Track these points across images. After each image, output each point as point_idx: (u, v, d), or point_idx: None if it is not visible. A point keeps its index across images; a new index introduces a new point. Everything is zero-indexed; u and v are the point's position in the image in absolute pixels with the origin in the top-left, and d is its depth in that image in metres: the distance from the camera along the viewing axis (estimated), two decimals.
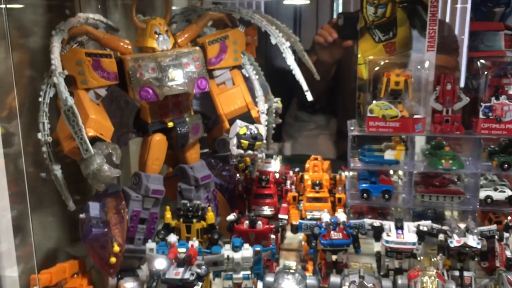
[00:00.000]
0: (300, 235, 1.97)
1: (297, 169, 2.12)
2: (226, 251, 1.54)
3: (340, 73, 2.82)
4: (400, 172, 2.07)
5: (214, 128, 2.00)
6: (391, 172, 2.02)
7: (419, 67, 1.81)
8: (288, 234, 2.01)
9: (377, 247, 1.68)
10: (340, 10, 3.09)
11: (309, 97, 1.70)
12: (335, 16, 2.97)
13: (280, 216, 1.86)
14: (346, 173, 2.01)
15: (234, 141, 1.66)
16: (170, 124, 1.66)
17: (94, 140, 1.45)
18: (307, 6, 3.08)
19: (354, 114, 2.82)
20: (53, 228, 1.75)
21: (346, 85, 2.77)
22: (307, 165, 2.01)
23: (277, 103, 2.03)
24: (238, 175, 2.06)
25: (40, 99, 1.47)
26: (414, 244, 1.58)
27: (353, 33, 1.89)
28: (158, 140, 1.66)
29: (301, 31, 3.11)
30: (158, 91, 1.55)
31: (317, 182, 1.84)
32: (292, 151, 3.15)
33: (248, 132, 1.64)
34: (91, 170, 1.43)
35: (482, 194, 1.83)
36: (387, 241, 1.60)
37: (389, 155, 1.83)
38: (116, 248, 1.50)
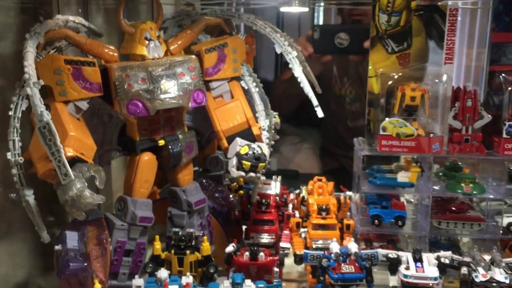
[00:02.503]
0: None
1: (297, 191, 1.95)
2: None
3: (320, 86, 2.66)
4: (406, 196, 1.91)
5: (208, 145, 1.82)
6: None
7: (436, 80, 1.66)
8: (287, 261, 1.82)
9: (392, 281, 1.51)
10: (321, 21, 2.94)
11: (320, 113, 1.53)
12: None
13: (282, 244, 1.68)
14: (349, 193, 1.85)
15: (234, 161, 1.48)
16: (161, 142, 1.48)
17: (74, 161, 1.27)
18: (289, 15, 2.91)
19: (335, 130, 2.71)
20: (24, 257, 1.58)
21: (327, 102, 2.65)
22: (310, 187, 1.84)
23: (275, 117, 1.85)
24: (231, 196, 1.88)
25: (11, 113, 1.30)
26: (435, 279, 1.43)
27: (330, 47, 1.74)
28: (147, 160, 1.47)
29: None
30: (149, 105, 1.37)
31: (324, 207, 1.66)
32: (278, 165, 2.99)
33: (251, 152, 1.46)
34: (69, 197, 1.24)
35: (505, 221, 1.68)
36: (405, 276, 1.44)
37: (402, 177, 1.68)
38: (98, 286, 1.33)
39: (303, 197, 1.91)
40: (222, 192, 1.86)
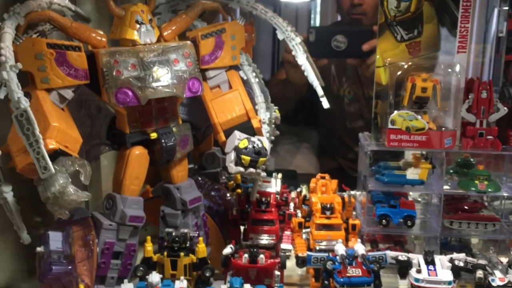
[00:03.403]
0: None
1: (299, 189, 1.84)
2: None
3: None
4: (413, 195, 1.81)
5: (203, 140, 1.71)
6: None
7: (449, 70, 1.56)
8: (288, 264, 1.71)
9: (402, 285, 1.41)
10: (318, 20, 2.84)
11: (325, 104, 1.43)
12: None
13: (283, 246, 1.57)
14: (354, 193, 1.74)
15: (232, 156, 1.38)
16: (154, 135, 1.38)
17: (56, 155, 1.16)
18: (285, 15, 2.81)
19: (334, 130, 2.61)
20: (5, 260, 1.48)
21: (327, 97, 2.55)
22: (312, 185, 1.73)
23: (275, 112, 1.74)
24: (228, 194, 1.77)
25: None
26: (450, 283, 1.33)
27: (327, 51, 1.64)
28: (138, 155, 1.37)
29: (279, 41, 2.85)
30: (140, 94, 1.26)
31: (328, 205, 1.55)
32: (275, 165, 2.89)
33: (250, 146, 1.36)
34: (51, 193, 1.14)
35: None
36: (417, 280, 1.34)
37: (412, 174, 1.58)
38: None
39: (305, 196, 1.81)
40: (218, 190, 1.76)
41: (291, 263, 1.71)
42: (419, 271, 1.35)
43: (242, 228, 1.68)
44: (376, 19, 1.62)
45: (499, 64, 1.99)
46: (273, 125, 1.64)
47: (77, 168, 1.18)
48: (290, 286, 1.69)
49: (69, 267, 1.26)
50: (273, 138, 1.63)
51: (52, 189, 1.14)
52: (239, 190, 1.84)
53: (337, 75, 2.51)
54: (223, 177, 1.90)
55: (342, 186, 1.81)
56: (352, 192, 1.75)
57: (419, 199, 1.84)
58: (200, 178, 1.72)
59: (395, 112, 1.55)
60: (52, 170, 1.08)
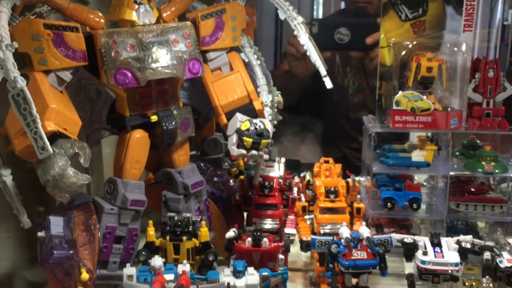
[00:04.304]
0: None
1: (302, 174, 1.81)
2: (226, 277, 1.24)
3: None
4: (417, 178, 1.79)
5: (205, 125, 1.69)
6: None
7: (455, 49, 1.53)
8: (292, 249, 1.69)
9: (408, 268, 1.38)
10: (321, 11, 2.80)
11: (328, 84, 1.40)
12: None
13: (286, 230, 1.55)
14: (359, 178, 1.72)
15: (234, 139, 1.35)
16: (154, 118, 1.36)
17: (55, 137, 1.15)
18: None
19: (337, 121, 2.58)
20: (8, 248, 1.47)
21: (329, 92, 2.52)
22: (316, 169, 1.70)
23: (278, 96, 1.72)
24: (231, 181, 1.75)
25: None
26: (456, 265, 1.30)
27: (330, 43, 1.60)
28: (139, 138, 1.35)
29: (282, 31, 2.83)
30: (139, 75, 1.24)
31: (332, 189, 1.53)
32: (279, 155, 2.86)
33: (252, 128, 1.33)
34: (50, 176, 1.12)
35: None
36: (423, 262, 1.31)
37: (417, 156, 1.55)
38: (85, 276, 1.22)
39: (309, 181, 1.78)
40: (221, 176, 1.74)
41: (295, 248, 1.69)
42: (425, 253, 1.33)
43: (245, 215, 1.66)
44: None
45: (504, 52, 1.95)
46: (276, 110, 1.62)
47: (77, 151, 1.16)
48: (295, 271, 1.67)
49: (71, 252, 1.25)
50: (275, 122, 1.61)
51: (51, 172, 1.12)
52: (242, 177, 1.82)
53: (342, 65, 2.48)
54: (226, 164, 1.88)
55: (346, 172, 1.79)
56: (357, 178, 1.73)
57: (424, 183, 1.81)
58: (202, 164, 1.70)
59: (400, 92, 1.52)
60: (50, 150, 1.06)
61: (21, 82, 1.04)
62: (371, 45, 2.14)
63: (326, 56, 2.27)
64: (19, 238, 1.48)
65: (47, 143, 1.06)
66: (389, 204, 1.58)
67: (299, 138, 2.83)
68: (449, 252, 1.32)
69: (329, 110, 2.64)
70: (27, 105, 1.03)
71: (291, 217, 1.60)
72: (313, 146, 2.83)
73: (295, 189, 1.69)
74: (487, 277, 1.30)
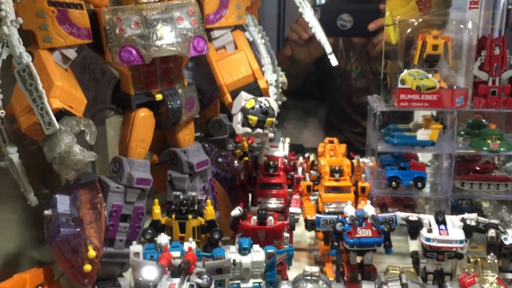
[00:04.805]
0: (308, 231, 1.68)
1: (307, 154, 1.81)
2: (232, 254, 1.24)
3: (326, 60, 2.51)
4: (421, 159, 1.78)
5: (210, 105, 1.68)
6: None
7: (461, 26, 1.51)
8: (296, 230, 1.69)
9: (413, 246, 1.39)
10: None
11: (334, 61, 1.39)
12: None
13: (291, 210, 1.56)
14: (363, 159, 1.71)
15: (239, 117, 1.35)
16: (159, 97, 1.35)
17: (61, 114, 1.14)
18: None
19: (340, 105, 2.56)
20: (14, 228, 1.46)
21: (332, 77, 2.51)
22: (320, 149, 1.71)
23: (282, 77, 1.71)
24: (236, 162, 1.75)
25: None
26: (461, 242, 1.30)
27: (332, 29, 1.58)
28: (144, 117, 1.35)
29: (285, 17, 2.81)
30: (144, 52, 1.24)
31: (337, 168, 1.53)
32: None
33: (257, 106, 1.33)
34: (57, 153, 1.12)
35: None
36: (428, 239, 1.31)
37: (422, 135, 1.54)
38: (92, 253, 1.22)
39: (313, 162, 1.78)
40: (226, 157, 1.74)
41: (300, 229, 1.70)
42: (430, 231, 1.32)
43: (250, 196, 1.66)
44: None
45: (509, 34, 1.93)
46: (280, 90, 1.61)
47: (82, 128, 1.16)
48: (299, 251, 1.68)
49: (78, 230, 1.24)
50: (280, 102, 1.60)
51: (57, 149, 1.12)
52: (246, 158, 1.82)
53: (345, 49, 2.46)
54: (230, 145, 1.88)
55: (350, 154, 1.79)
56: (361, 159, 1.73)
57: (429, 164, 1.81)
58: (207, 145, 1.70)
59: (405, 71, 1.51)
60: (57, 126, 1.06)
61: (27, 58, 1.03)
62: (374, 31, 2.13)
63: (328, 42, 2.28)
64: (25, 219, 1.48)
65: (54, 118, 1.06)
66: (393, 183, 1.58)
67: (302, 123, 2.82)
68: (453, 230, 1.32)
69: (332, 94, 2.63)
70: (33, 80, 1.03)
71: (296, 196, 1.61)
72: (316, 130, 2.82)
73: (300, 169, 1.70)
74: (491, 254, 1.29)
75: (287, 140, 1.80)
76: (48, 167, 1.38)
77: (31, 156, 1.31)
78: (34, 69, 1.03)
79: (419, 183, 1.58)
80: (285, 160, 1.67)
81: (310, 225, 1.48)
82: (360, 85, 2.48)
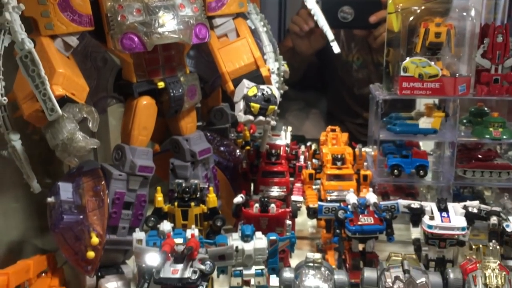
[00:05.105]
0: (310, 220, 1.67)
1: (309, 143, 1.81)
2: (235, 241, 1.24)
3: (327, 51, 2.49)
4: (423, 148, 1.78)
5: (212, 94, 1.68)
6: None
7: (464, 14, 1.50)
8: (298, 219, 1.70)
9: (415, 233, 1.39)
10: None
11: (336, 49, 1.39)
12: None
13: (293, 198, 1.56)
14: (365, 149, 1.71)
15: (241, 105, 1.35)
16: (161, 85, 1.35)
17: (63, 102, 1.14)
18: None
19: (341, 97, 2.56)
20: (17, 217, 1.47)
21: (334, 68, 2.50)
22: (322, 138, 1.70)
23: (284, 65, 1.71)
24: (238, 151, 1.75)
25: None
26: (463, 229, 1.30)
27: (333, 21, 1.57)
28: (146, 105, 1.35)
29: (286, 8, 2.79)
30: (146, 39, 1.23)
31: (339, 156, 1.53)
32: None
33: (259, 94, 1.33)
34: (59, 140, 1.12)
35: None
36: (430, 226, 1.31)
37: (424, 123, 1.54)
38: (95, 240, 1.22)
39: (315, 150, 1.78)
40: (228, 146, 1.74)
41: (302, 217, 1.70)
42: (432, 218, 1.33)
43: (252, 186, 1.66)
44: None
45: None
46: (282, 79, 1.61)
47: (85, 115, 1.16)
48: (301, 239, 1.68)
49: (81, 217, 1.25)
50: (281, 91, 1.60)
51: (60, 136, 1.13)
52: (248, 147, 1.82)
53: (346, 40, 2.45)
54: (232, 135, 1.88)
55: (352, 144, 1.79)
56: (363, 149, 1.73)
57: (431, 153, 1.81)
58: (209, 134, 1.70)
59: (408, 58, 1.50)
60: (60, 112, 1.06)
61: (29, 44, 1.03)
62: (375, 23, 2.12)
63: None
64: (28, 208, 1.48)
65: (56, 104, 1.06)
66: (396, 171, 1.58)
67: (303, 114, 2.82)
68: (455, 217, 1.32)
69: (333, 86, 2.62)
70: (35, 66, 1.03)
71: (298, 184, 1.61)
72: (318, 121, 2.82)
73: (302, 157, 1.70)
74: (493, 241, 1.29)
75: (289, 128, 1.80)
76: (51, 157, 1.38)
77: (34, 146, 1.32)
78: (36, 55, 1.03)
79: (421, 171, 1.57)
80: (287, 148, 1.67)
81: (312, 213, 1.48)
82: (362, 76, 2.48)
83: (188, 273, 1.08)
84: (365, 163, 1.62)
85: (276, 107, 1.37)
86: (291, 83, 1.67)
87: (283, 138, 1.72)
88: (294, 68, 1.71)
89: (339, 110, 2.67)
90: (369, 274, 1.24)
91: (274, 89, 1.38)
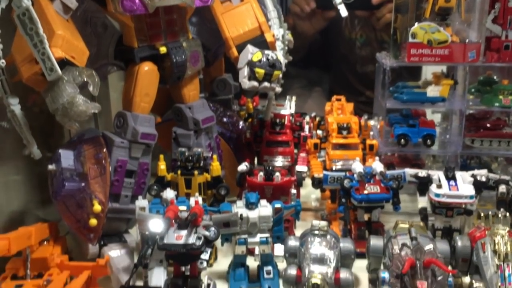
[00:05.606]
0: (314, 192, 1.68)
1: (313, 114, 1.78)
2: (239, 209, 1.22)
3: (330, 29, 2.44)
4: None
5: (215, 63, 1.65)
6: None
7: None
8: (301, 191, 1.68)
9: (421, 202, 1.36)
10: None
11: (343, 12, 1.35)
12: None
13: (298, 168, 1.54)
14: (371, 121, 1.68)
15: (246, 71, 1.32)
16: (163, 50, 1.31)
17: (63, 64, 1.11)
18: None
19: (343, 74, 2.51)
20: (18, 188, 1.44)
21: (337, 45, 2.45)
22: (327, 108, 1.67)
23: (288, 35, 1.66)
24: (241, 122, 1.72)
25: None
26: (471, 197, 1.28)
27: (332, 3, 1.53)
28: (148, 70, 1.31)
29: None
30: (147, 1, 1.20)
31: (344, 125, 1.50)
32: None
33: (264, 59, 1.30)
34: (60, 104, 1.09)
35: None
36: (437, 195, 1.29)
37: (432, 91, 1.50)
38: (97, 207, 1.20)
39: (320, 121, 1.75)
40: (231, 117, 1.71)
41: (306, 190, 1.68)
42: (439, 187, 1.30)
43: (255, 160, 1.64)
44: None
45: None
46: (286, 48, 1.57)
47: (85, 79, 1.13)
48: (305, 211, 1.66)
49: (82, 184, 1.23)
50: (286, 61, 1.56)
51: (60, 100, 1.09)
52: (250, 120, 1.79)
53: (350, 17, 2.41)
54: (235, 106, 1.85)
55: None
56: (369, 121, 1.70)
57: (437, 125, 1.77)
58: (211, 105, 1.66)
59: (416, 24, 1.46)
60: (59, 71, 1.03)
61: (26, 1, 0.99)
62: (378, 4, 2.08)
63: (331, 16, 2.24)
64: (29, 180, 1.46)
65: (55, 63, 1.03)
66: (402, 140, 1.55)
67: (306, 92, 2.79)
68: (464, 185, 1.30)
69: (336, 63, 2.59)
70: (33, 25, 1.00)
71: (303, 154, 1.59)
72: (320, 100, 2.79)
73: (307, 127, 1.67)
74: (501, 209, 1.27)
75: (294, 98, 1.76)
76: (51, 129, 1.36)
77: (34, 118, 1.28)
78: (34, 13, 1.00)
79: (428, 140, 1.54)
80: (291, 118, 1.64)
81: (317, 183, 1.45)
82: (365, 54, 2.44)
83: (192, 239, 1.06)
84: (371, 133, 1.59)
85: (281, 73, 1.34)
86: (294, 61, 1.64)
87: (288, 108, 1.69)
88: (296, 47, 1.68)
89: (342, 88, 2.63)
90: (375, 242, 1.22)
91: (279, 54, 1.35)
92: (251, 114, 1.88)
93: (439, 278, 1.07)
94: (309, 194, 1.74)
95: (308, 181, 1.59)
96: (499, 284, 1.06)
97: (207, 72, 1.69)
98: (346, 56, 2.49)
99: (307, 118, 1.72)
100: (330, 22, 2.31)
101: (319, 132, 1.70)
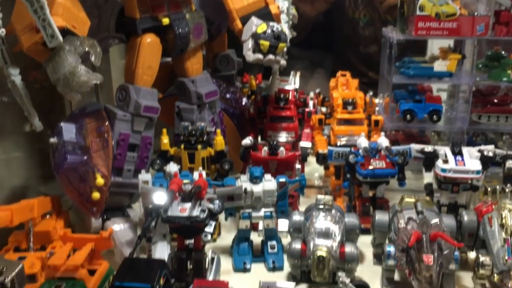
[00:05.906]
0: (318, 170, 1.66)
1: (317, 90, 1.76)
2: (243, 183, 1.21)
3: (333, 9, 2.41)
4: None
5: (218, 38, 1.62)
6: None
7: None
8: (305, 169, 1.66)
9: (427, 178, 1.35)
10: None
11: None
12: None
13: (302, 144, 1.51)
14: (377, 100, 1.66)
15: (250, 43, 1.29)
16: (166, 21, 1.29)
17: (64, 34, 1.08)
18: None
19: (346, 55, 2.48)
20: (20, 164, 1.43)
21: (340, 25, 2.41)
22: (332, 84, 1.65)
23: (293, 9, 1.63)
24: (244, 99, 1.70)
25: None
26: (478, 172, 1.26)
27: None
28: (150, 42, 1.29)
29: None
30: None
31: (350, 100, 1.48)
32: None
33: (269, 31, 1.27)
34: (61, 74, 1.07)
35: None
36: (443, 170, 1.27)
37: (440, 66, 1.47)
38: (100, 181, 1.19)
39: (324, 98, 1.73)
40: (234, 93, 1.69)
41: (309, 168, 1.67)
42: (446, 162, 1.29)
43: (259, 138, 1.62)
44: None
45: None
46: (291, 23, 1.54)
47: (87, 49, 1.11)
48: (309, 188, 1.64)
49: (84, 157, 1.21)
50: (290, 36, 1.53)
51: (61, 70, 1.08)
52: (254, 96, 1.77)
53: None
54: (238, 83, 1.83)
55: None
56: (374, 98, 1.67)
57: (443, 101, 1.75)
58: (214, 81, 1.64)
59: None
60: (60, 38, 1.01)
61: None
62: None
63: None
64: (30, 156, 1.45)
65: (56, 30, 1.01)
66: (408, 116, 1.53)
67: (308, 73, 2.75)
68: (470, 160, 1.28)
69: (339, 44, 2.56)
70: None
71: (307, 130, 1.56)
72: (322, 81, 2.75)
73: (311, 103, 1.65)
74: (509, 184, 1.26)
75: (298, 73, 1.74)
76: (52, 106, 1.33)
77: (35, 94, 1.25)
78: None
79: (434, 116, 1.52)
80: (296, 93, 1.61)
81: (322, 158, 1.44)
82: (368, 34, 2.41)
83: (196, 212, 1.05)
84: (377, 108, 1.57)
85: (286, 46, 1.31)
86: (296, 42, 1.61)
87: (292, 83, 1.66)
88: (298, 29, 1.66)
89: (344, 69, 2.61)
90: (381, 216, 1.21)
91: (284, 27, 1.32)
92: (254, 91, 1.86)
93: (445, 251, 1.06)
94: (313, 172, 1.73)
95: (311, 159, 1.58)
96: (506, 257, 1.05)
97: (210, 47, 1.66)
98: (349, 36, 2.46)
99: (311, 94, 1.70)
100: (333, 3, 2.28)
101: (323, 109, 1.68)
